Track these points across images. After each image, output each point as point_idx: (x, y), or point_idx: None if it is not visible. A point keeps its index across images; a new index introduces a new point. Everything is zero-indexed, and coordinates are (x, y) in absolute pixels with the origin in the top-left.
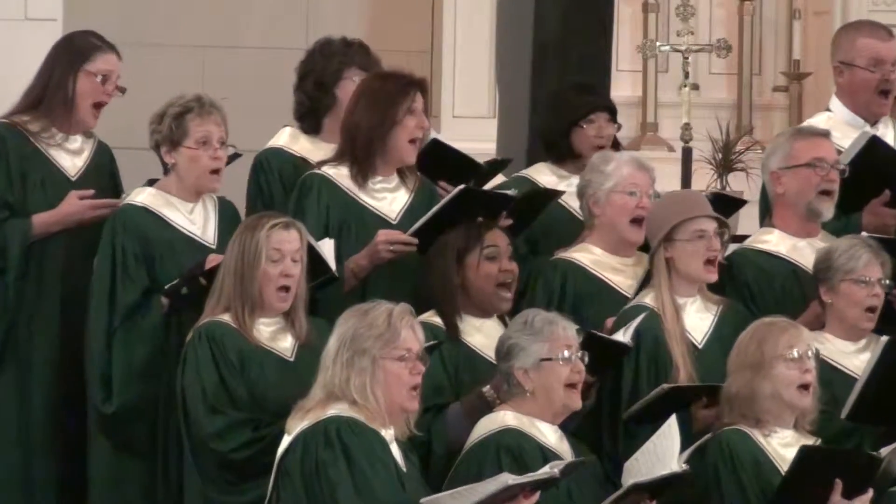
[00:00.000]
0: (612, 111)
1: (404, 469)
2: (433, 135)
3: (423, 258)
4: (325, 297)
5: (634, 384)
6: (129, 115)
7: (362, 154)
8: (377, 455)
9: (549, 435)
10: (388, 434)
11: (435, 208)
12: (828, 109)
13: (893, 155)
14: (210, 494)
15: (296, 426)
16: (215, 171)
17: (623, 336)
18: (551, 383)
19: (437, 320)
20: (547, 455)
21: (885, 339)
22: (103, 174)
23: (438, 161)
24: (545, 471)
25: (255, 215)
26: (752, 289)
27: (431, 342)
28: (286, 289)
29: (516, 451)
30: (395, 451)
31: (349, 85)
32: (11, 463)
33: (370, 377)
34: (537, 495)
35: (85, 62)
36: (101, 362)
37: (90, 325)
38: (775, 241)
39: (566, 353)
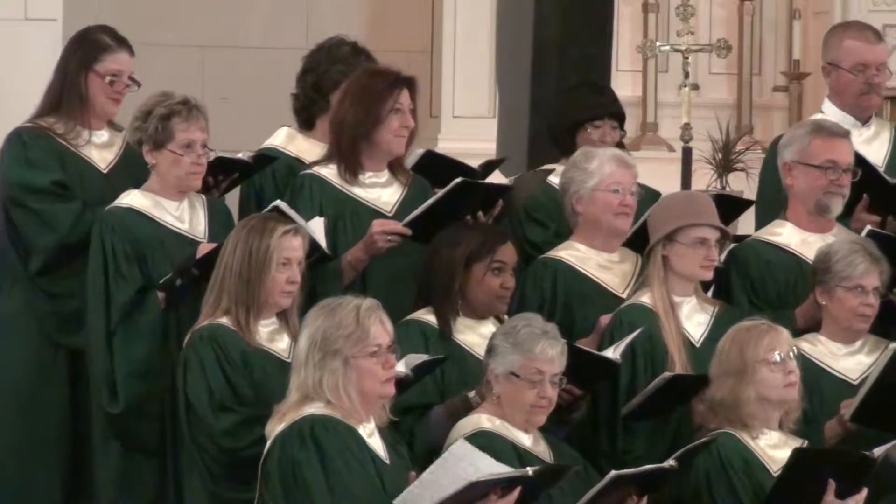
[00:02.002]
0: (619, 117)
1: (387, 461)
2: (420, 151)
3: (430, 249)
4: (325, 293)
5: (631, 382)
6: (128, 114)
7: (348, 150)
8: (351, 451)
9: (522, 437)
10: (366, 429)
11: (432, 199)
12: (820, 112)
13: (859, 159)
14: (219, 492)
15: (274, 429)
16: (195, 173)
17: (613, 352)
18: (515, 399)
19: (431, 318)
20: (522, 456)
21: (893, 346)
22: (136, 166)
23: (433, 171)
24: (516, 469)
25: (260, 217)
26: (755, 280)
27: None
28: (290, 292)
29: (490, 452)
30: (377, 443)
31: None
32: (63, 455)
33: (343, 377)
34: (514, 496)
35: (94, 62)
36: (103, 363)
37: (89, 327)
38: (786, 235)
39: (536, 377)
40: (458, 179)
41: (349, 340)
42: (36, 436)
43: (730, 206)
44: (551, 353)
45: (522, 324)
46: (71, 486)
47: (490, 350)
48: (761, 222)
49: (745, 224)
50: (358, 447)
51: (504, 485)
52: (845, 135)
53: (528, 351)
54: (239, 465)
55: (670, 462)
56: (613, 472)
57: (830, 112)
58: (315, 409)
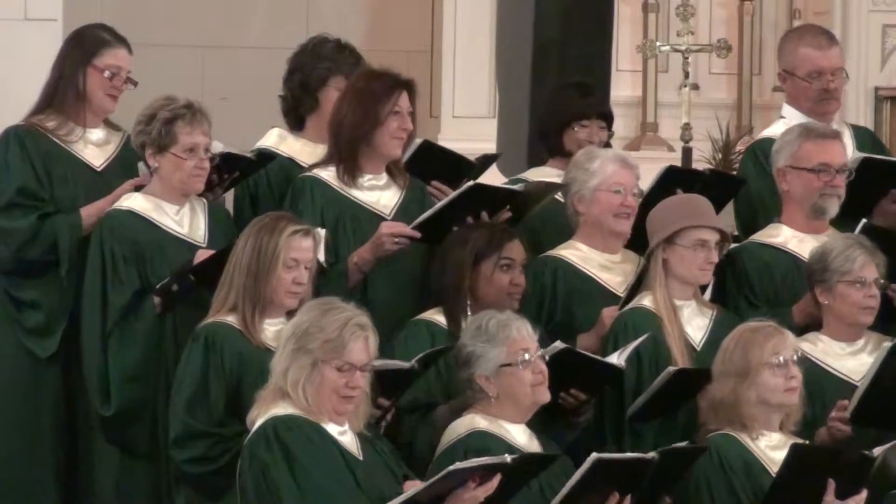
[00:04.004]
0: (606, 117)
1: (360, 458)
2: (418, 141)
3: (440, 250)
4: (329, 294)
5: (636, 385)
6: (129, 115)
7: (346, 153)
8: (317, 446)
9: (517, 435)
10: (334, 428)
11: (443, 202)
12: (782, 116)
13: (866, 160)
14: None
15: (254, 419)
16: (198, 176)
17: (618, 358)
18: (514, 387)
19: (440, 318)
20: (516, 454)
21: (887, 344)
22: (132, 168)
23: (430, 162)
24: (496, 457)
25: (273, 215)
26: (752, 279)
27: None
28: (296, 293)
29: (484, 452)
30: (349, 440)
31: (332, 93)
32: (58, 458)
33: (306, 376)
34: (493, 483)
35: (93, 58)
36: (97, 366)
37: (84, 329)
38: (782, 238)
39: (525, 356)
40: (471, 183)
41: (325, 346)
42: (30, 440)
43: (722, 186)
44: (526, 331)
45: (486, 320)
46: (66, 490)
47: (466, 360)
48: (751, 225)
49: None
50: (324, 442)
51: (482, 472)
52: (835, 135)
53: (507, 338)
54: (185, 476)
55: (652, 454)
56: (594, 455)
57: (791, 115)
58: (280, 409)
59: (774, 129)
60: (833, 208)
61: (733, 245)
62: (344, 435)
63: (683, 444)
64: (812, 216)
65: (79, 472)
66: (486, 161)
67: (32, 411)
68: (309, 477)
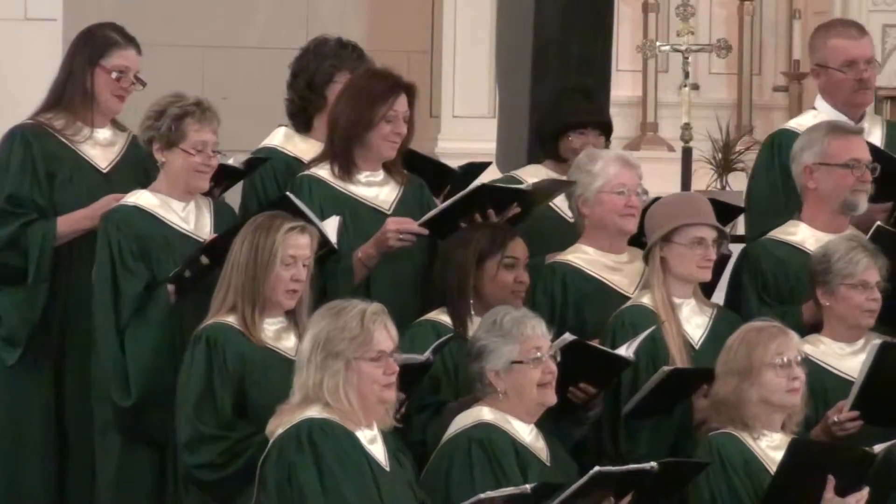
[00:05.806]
0: (605, 127)
1: (386, 469)
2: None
3: (442, 251)
4: (333, 291)
5: (633, 383)
6: (129, 115)
7: (340, 150)
8: (348, 455)
9: (523, 432)
10: (366, 434)
11: (449, 201)
12: (813, 108)
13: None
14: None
15: (274, 429)
16: (203, 172)
17: (626, 350)
18: (523, 385)
19: (445, 319)
20: (519, 450)
21: (876, 342)
22: (137, 169)
23: (412, 169)
24: (518, 487)
25: (268, 214)
26: (767, 278)
27: (444, 338)
28: (294, 291)
29: (487, 444)
30: (378, 450)
31: (339, 88)
32: (48, 458)
33: (343, 379)
34: None
35: (101, 58)
36: (114, 358)
37: (98, 324)
38: (800, 236)
39: (537, 355)
40: (479, 183)
41: (352, 343)
42: (20, 439)
43: (720, 212)
44: (541, 329)
45: (501, 315)
46: (58, 489)
47: (479, 353)
48: (757, 222)
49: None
50: (355, 451)
51: (506, 500)
52: (860, 131)
53: (521, 335)
54: (195, 482)
55: (652, 464)
56: (596, 469)
57: (823, 109)
58: (315, 412)
59: (800, 120)
60: (863, 204)
61: (752, 242)
62: (374, 443)
63: (685, 460)
64: (840, 212)
65: (70, 479)
66: (471, 169)
67: (19, 418)
68: (336, 485)
